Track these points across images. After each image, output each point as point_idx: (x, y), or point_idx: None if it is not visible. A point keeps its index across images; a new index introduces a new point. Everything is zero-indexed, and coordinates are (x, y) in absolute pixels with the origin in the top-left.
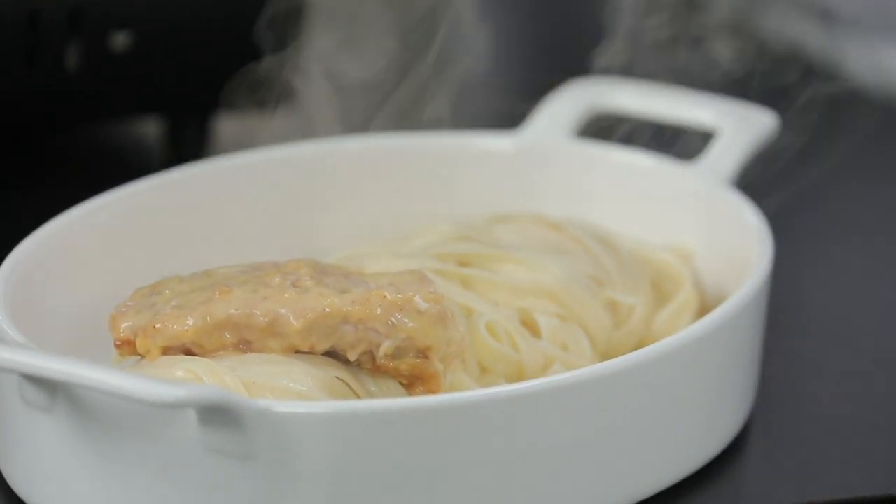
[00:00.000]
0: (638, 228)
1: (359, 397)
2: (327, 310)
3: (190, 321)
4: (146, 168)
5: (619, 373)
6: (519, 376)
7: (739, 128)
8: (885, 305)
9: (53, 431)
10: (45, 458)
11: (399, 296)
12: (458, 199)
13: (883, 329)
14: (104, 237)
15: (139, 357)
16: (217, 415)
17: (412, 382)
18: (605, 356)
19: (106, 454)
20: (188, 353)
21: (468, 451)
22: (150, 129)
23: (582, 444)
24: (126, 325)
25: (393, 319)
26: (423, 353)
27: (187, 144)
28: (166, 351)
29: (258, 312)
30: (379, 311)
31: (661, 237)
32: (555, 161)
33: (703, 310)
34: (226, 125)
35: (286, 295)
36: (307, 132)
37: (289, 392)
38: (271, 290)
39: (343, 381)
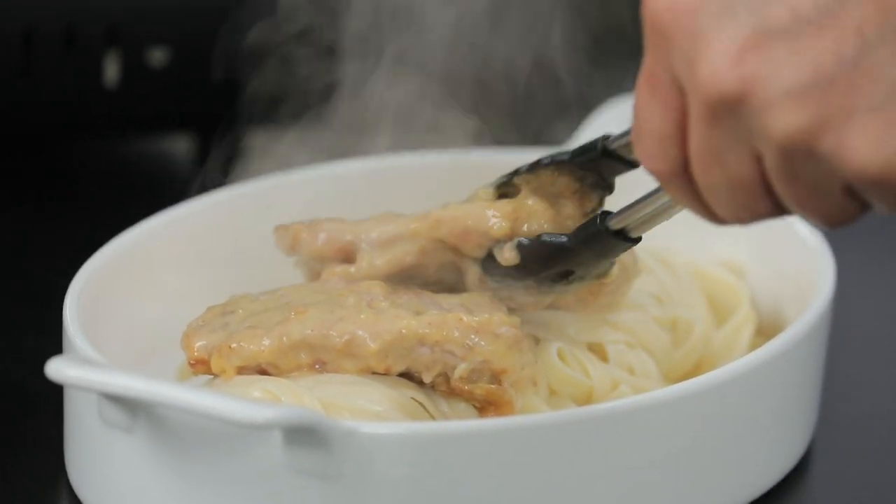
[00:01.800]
0: (690, 245)
1: (433, 418)
2: (404, 332)
3: (266, 341)
4: (176, 184)
5: (689, 396)
6: (587, 399)
7: None
8: None
9: (133, 452)
10: (124, 478)
11: (476, 319)
12: None
13: None
14: (167, 253)
15: (211, 376)
16: (303, 435)
17: (484, 406)
18: (665, 376)
19: (187, 475)
20: (262, 373)
21: (549, 471)
22: (181, 144)
23: (648, 466)
24: (200, 343)
25: (469, 342)
26: (497, 377)
27: (218, 161)
28: (240, 371)
29: (334, 333)
30: (456, 333)
31: (713, 253)
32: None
33: (759, 328)
34: (256, 141)
35: (362, 316)
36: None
37: (366, 412)
38: (347, 311)
39: (418, 402)
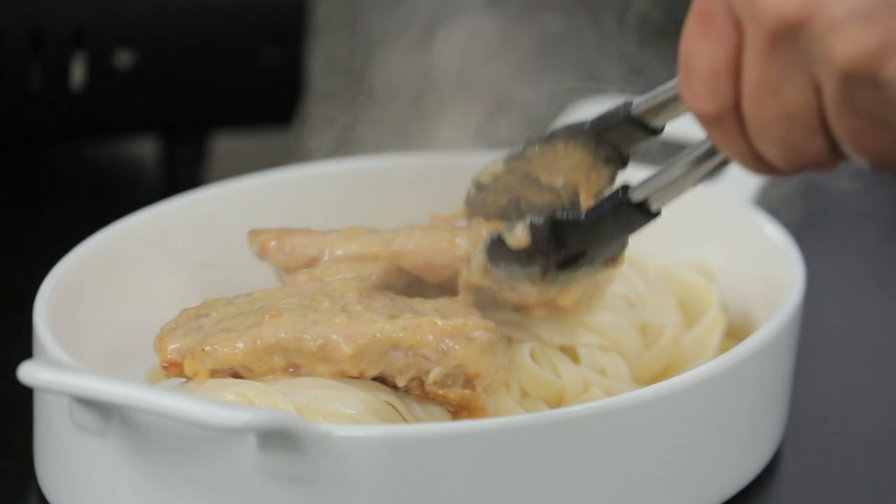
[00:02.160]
0: (661, 248)
1: (407, 422)
2: (378, 336)
3: (240, 344)
4: (143, 186)
5: (661, 398)
6: (559, 400)
7: None
8: None
9: (106, 456)
10: (96, 483)
11: (450, 323)
12: None
13: None
14: (138, 256)
15: (183, 379)
16: (278, 439)
17: (457, 410)
18: (635, 378)
19: (161, 479)
20: (235, 376)
21: (523, 473)
22: (147, 147)
23: (620, 468)
24: (173, 346)
25: (443, 346)
26: (471, 381)
27: (182, 164)
28: (213, 374)
29: (308, 337)
30: (430, 337)
31: (683, 256)
32: None
33: (729, 330)
34: (222, 144)
35: (336, 320)
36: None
37: (340, 416)
38: (321, 315)
39: (392, 405)
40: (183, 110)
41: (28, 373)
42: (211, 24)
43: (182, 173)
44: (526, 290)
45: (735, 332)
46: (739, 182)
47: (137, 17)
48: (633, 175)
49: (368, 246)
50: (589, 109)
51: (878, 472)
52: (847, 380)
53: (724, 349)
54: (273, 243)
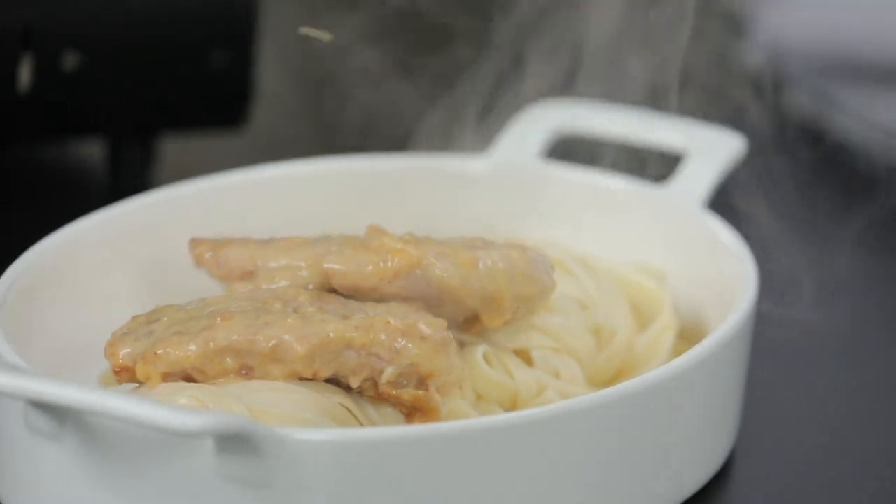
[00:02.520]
0: (611, 251)
1: (361, 424)
2: (331, 335)
3: (192, 347)
4: (88, 190)
5: (617, 400)
6: (513, 403)
7: (709, 150)
8: (864, 322)
9: (61, 460)
10: (51, 488)
11: (403, 322)
12: (430, 222)
13: (863, 348)
14: (88, 260)
15: (135, 384)
16: (235, 443)
17: (411, 412)
18: (589, 380)
19: (116, 483)
20: (188, 379)
21: (483, 476)
22: (94, 150)
23: (576, 470)
24: (125, 351)
25: (396, 345)
26: (424, 381)
27: (130, 166)
28: (166, 378)
29: (261, 338)
30: (383, 336)
31: (634, 259)
32: (527, 183)
33: (681, 333)
34: (169, 147)
35: (289, 321)
36: (253, 154)
37: (294, 419)
38: (273, 316)
39: (346, 407)
40: (131, 113)
41: None
42: (160, 27)
43: (129, 176)
44: None
45: (687, 335)
46: (690, 184)
47: (85, 18)
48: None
49: (300, 262)
50: (546, 112)
51: (830, 476)
52: (799, 383)
53: (676, 352)
54: (208, 255)
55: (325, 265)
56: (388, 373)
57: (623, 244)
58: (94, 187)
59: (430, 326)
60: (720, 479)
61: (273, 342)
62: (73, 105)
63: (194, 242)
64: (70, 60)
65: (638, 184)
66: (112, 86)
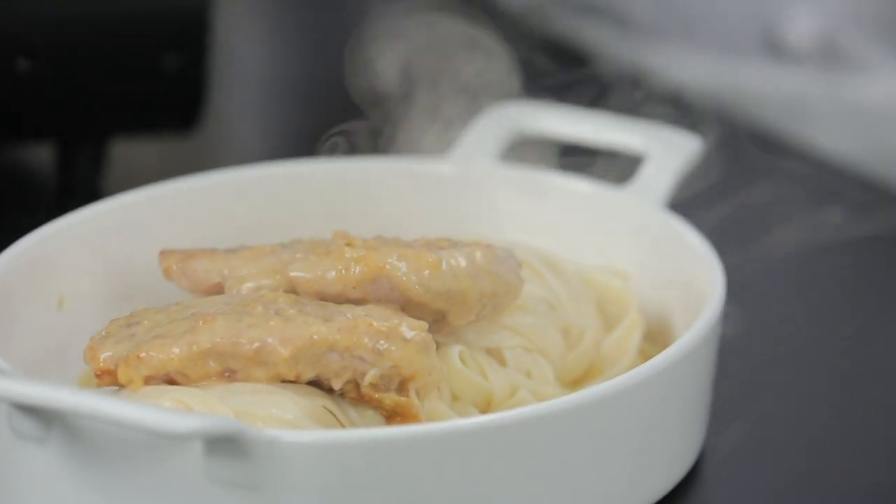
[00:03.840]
0: (574, 252)
1: (343, 426)
2: (315, 337)
3: (175, 350)
4: (39, 193)
5: (597, 402)
6: (487, 403)
7: (667, 151)
8: (832, 321)
9: (47, 464)
10: (37, 493)
11: (386, 324)
12: (394, 225)
13: (830, 346)
14: (61, 262)
15: (116, 387)
16: (224, 445)
17: (391, 415)
18: (558, 379)
19: (103, 487)
20: (170, 382)
21: (475, 476)
22: (45, 153)
23: (556, 471)
24: (106, 354)
25: (379, 347)
26: (406, 382)
27: (80, 170)
28: (148, 381)
29: (244, 341)
30: (366, 338)
31: (597, 260)
32: (489, 185)
33: (646, 333)
34: (120, 151)
35: (272, 323)
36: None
37: (278, 421)
38: (255, 319)
39: (329, 410)
40: (83, 116)
41: None
42: (112, 30)
43: (80, 179)
44: None
45: (652, 335)
46: (651, 184)
47: (37, 21)
48: None
49: (266, 270)
50: (505, 113)
51: (799, 475)
52: (767, 384)
53: (642, 352)
54: (176, 267)
55: (291, 273)
56: (371, 375)
57: (586, 245)
58: (44, 190)
59: (412, 328)
60: (691, 478)
61: (257, 344)
62: (24, 109)
63: (163, 255)
64: (21, 64)
65: (599, 185)
66: (64, 89)
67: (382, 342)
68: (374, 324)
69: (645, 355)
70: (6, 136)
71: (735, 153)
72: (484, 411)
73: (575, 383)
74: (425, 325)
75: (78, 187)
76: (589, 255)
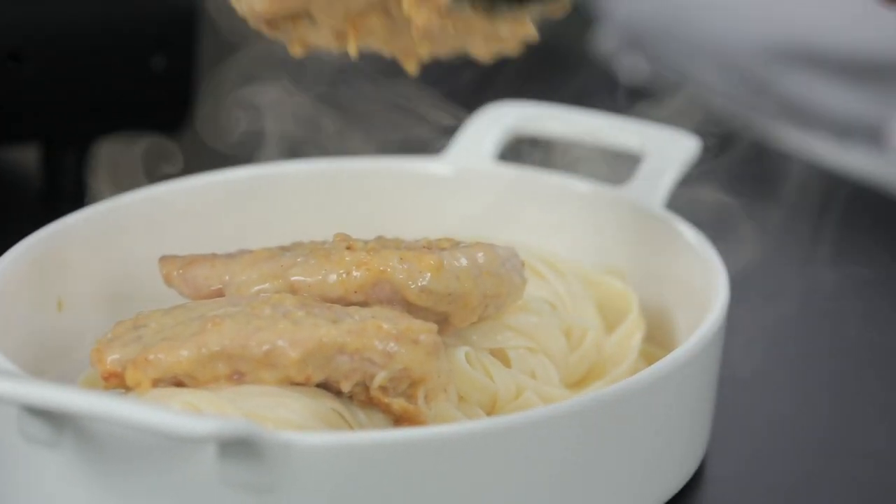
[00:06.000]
0: (574, 252)
1: (352, 429)
2: (324, 340)
3: (184, 353)
4: (25, 196)
5: (602, 404)
6: (492, 405)
7: (666, 151)
8: (834, 321)
9: (58, 468)
10: (49, 497)
11: (396, 326)
12: (393, 225)
13: (831, 347)
14: (60, 264)
15: (123, 390)
16: (238, 448)
17: (398, 419)
18: (561, 381)
19: (117, 491)
20: (178, 385)
21: (487, 479)
22: (30, 156)
23: (568, 473)
24: (114, 357)
25: (389, 349)
26: (415, 385)
27: (66, 171)
28: (156, 384)
29: (253, 343)
30: (376, 341)
31: (596, 260)
32: (487, 186)
33: (647, 334)
34: (105, 152)
35: (280, 325)
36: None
37: (288, 423)
38: (264, 321)
39: (338, 412)
40: (70, 117)
41: None
42: (100, 31)
43: (65, 181)
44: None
45: (652, 336)
46: (649, 185)
47: (23, 22)
48: None
49: (266, 275)
50: (503, 113)
51: (803, 476)
52: (770, 384)
53: (642, 353)
54: (176, 274)
55: (292, 278)
56: (381, 377)
57: (585, 245)
58: (30, 192)
59: (422, 331)
60: (696, 480)
61: (266, 347)
62: (10, 110)
63: (163, 261)
64: (8, 65)
65: (598, 185)
66: (52, 90)
67: (392, 345)
68: (384, 326)
69: (645, 356)
70: None
71: None
72: (489, 412)
73: (577, 384)
74: (435, 327)
75: (64, 189)
76: (588, 255)
